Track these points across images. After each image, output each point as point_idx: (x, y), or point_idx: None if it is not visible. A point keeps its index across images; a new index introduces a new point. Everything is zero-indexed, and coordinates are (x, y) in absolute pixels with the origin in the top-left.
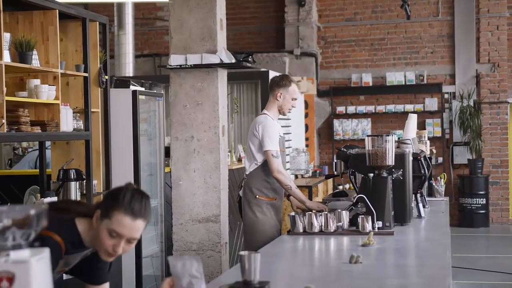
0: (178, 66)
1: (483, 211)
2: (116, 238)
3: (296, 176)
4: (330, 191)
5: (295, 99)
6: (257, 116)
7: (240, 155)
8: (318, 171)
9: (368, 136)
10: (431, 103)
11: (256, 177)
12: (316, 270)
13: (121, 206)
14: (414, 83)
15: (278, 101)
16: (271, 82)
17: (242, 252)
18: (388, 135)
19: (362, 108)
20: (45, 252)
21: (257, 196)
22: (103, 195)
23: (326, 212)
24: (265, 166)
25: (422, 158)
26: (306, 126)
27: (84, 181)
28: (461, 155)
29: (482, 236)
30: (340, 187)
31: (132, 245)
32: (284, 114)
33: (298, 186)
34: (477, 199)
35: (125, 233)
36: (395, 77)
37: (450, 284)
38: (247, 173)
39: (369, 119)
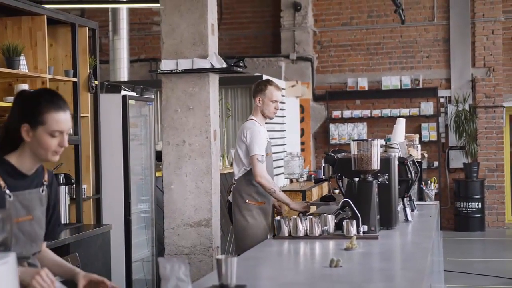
0: (169, 71)
1: (478, 215)
2: (59, 136)
3: (291, 181)
4: None
5: (275, 101)
6: (245, 122)
7: (232, 160)
8: (313, 175)
9: (353, 140)
10: (427, 108)
11: (245, 182)
12: (296, 274)
13: (50, 107)
14: (410, 87)
15: (259, 106)
16: (252, 89)
17: (218, 256)
18: (374, 140)
19: (358, 113)
20: (10, 257)
21: (247, 201)
22: (16, 111)
23: (311, 216)
24: None
25: (409, 162)
26: (302, 131)
27: (74, 185)
28: (457, 159)
29: (477, 240)
30: (337, 191)
31: (67, 139)
32: (270, 118)
33: (292, 191)
34: (473, 203)
35: (64, 127)
36: (390, 82)
37: (428, 287)
38: (236, 178)
39: (365, 123)
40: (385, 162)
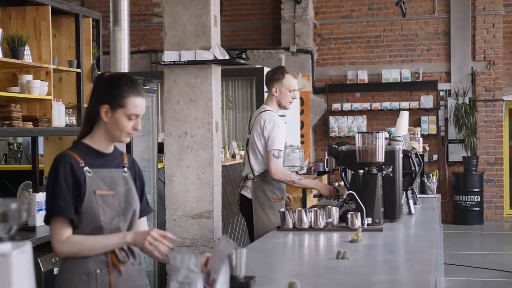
0: (172, 62)
1: (477, 209)
2: (134, 119)
3: None
4: None
5: (293, 90)
6: (262, 113)
7: (234, 152)
8: (313, 167)
9: (358, 133)
10: (427, 101)
11: (268, 178)
12: (303, 265)
13: (130, 92)
14: (410, 80)
15: (276, 96)
16: (265, 77)
17: None
18: (378, 132)
19: (357, 105)
20: (27, 246)
21: (271, 199)
22: (98, 93)
23: (315, 208)
24: None
25: (413, 155)
26: (302, 123)
27: None
28: (456, 153)
29: (476, 233)
30: (336, 184)
31: (140, 123)
32: (285, 108)
33: None
34: (472, 196)
35: (141, 112)
36: (390, 75)
37: (434, 279)
38: (255, 173)
39: (365, 116)
40: (390, 154)
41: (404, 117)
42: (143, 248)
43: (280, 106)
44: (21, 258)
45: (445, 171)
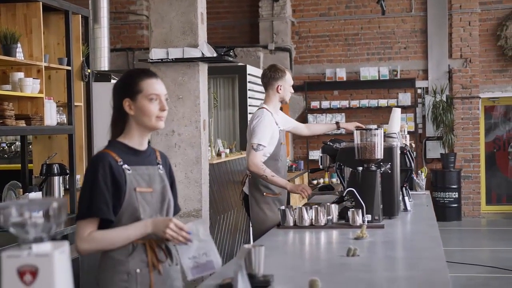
0: (159, 60)
1: (455, 205)
2: (156, 99)
3: None
4: None
5: (291, 84)
6: (256, 111)
7: (219, 150)
8: (293, 166)
9: (357, 129)
10: (405, 98)
11: None
12: (315, 263)
13: (141, 76)
14: (388, 78)
15: (279, 93)
16: (265, 77)
17: (246, 245)
18: (377, 129)
19: (336, 103)
20: (66, 246)
21: (265, 194)
22: (116, 93)
23: (316, 206)
24: (269, 162)
25: (407, 152)
26: None
27: (68, 176)
28: (434, 150)
29: (454, 230)
30: (314, 182)
31: (166, 103)
32: (286, 103)
33: None
34: (450, 193)
35: (159, 90)
36: (369, 72)
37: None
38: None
39: (343, 114)
40: (388, 151)
41: (397, 113)
42: (163, 238)
43: (282, 102)
44: (61, 258)
45: (423, 168)
